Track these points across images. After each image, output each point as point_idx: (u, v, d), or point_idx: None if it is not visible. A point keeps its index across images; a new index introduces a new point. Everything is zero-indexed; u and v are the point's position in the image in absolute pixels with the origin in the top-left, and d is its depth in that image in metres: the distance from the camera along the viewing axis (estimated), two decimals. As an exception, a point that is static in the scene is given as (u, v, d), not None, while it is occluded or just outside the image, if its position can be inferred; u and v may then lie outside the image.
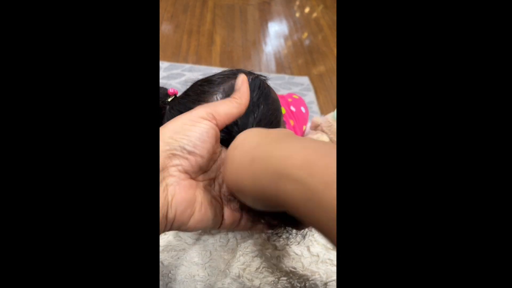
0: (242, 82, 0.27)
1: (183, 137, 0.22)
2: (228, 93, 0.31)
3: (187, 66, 1.21)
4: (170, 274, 0.29)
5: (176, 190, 0.22)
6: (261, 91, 0.33)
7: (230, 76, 0.34)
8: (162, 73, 1.15)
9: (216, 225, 0.25)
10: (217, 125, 0.24)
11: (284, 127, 0.40)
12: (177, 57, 1.25)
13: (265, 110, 0.32)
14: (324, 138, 0.70)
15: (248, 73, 0.35)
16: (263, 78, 0.36)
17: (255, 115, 0.31)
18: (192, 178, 0.23)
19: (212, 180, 0.26)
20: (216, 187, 0.26)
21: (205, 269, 0.27)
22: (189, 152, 0.22)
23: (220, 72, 0.35)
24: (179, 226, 0.23)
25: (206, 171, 0.25)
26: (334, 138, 0.71)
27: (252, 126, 0.30)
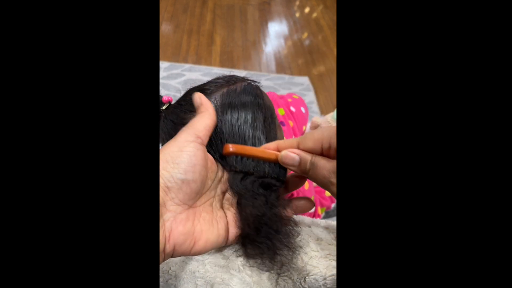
0: (199, 97, 0.28)
1: (174, 166, 0.22)
2: (220, 102, 0.31)
3: (187, 66, 1.21)
4: (170, 271, 0.29)
5: (173, 225, 0.22)
6: (253, 96, 0.32)
7: (223, 84, 0.33)
8: (162, 73, 1.15)
9: (222, 243, 0.25)
10: (202, 143, 0.25)
11: (280, 130, 0.40)
12: (177, 57, 1.25)
13: (259, 116, 0.32)
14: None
15: (241, 79, 0.35)
16: (256, 84, 0.35)
17: (250, 120, 0.30)
18: (190, 206, 0.24)
19: (213, 197, 0.27)
20: (218, 204, 0.27)
21: (205, 265, 0.27)
22: (182, 181, 0.23)
23: (214, 80, 0.35)
24: (181, 255, 0.23)
25: (204, 193, 0.26)
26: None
27: (249, 132, 0.30)
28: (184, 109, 0.33)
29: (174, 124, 0.33)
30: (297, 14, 1.70)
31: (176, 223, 0.22)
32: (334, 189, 0.23)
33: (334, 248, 0.26)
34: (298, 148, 0.26)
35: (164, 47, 1.27)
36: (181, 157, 0.23)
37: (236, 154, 0.27)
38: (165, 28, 1.38)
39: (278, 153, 0.26)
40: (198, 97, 0.28)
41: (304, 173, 0.25)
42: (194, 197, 0.24)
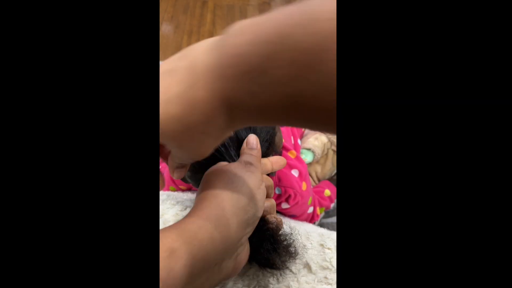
0: (257, 142, 0.30)
1: (256, 204, 0.24)
2: None
3: (187, 66, 1.21)
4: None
5: (242, 257, 0.24)
6: None
7: None
8: (161, 74, 1.15)
9: None
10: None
11: (279, 129, 0.40)
12: (177, 57, 1.26)
13: None
14: (323, 138, 0.70)
15: None
16: None
17: None
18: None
19: None
20: None
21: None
22: (258, 218, 0.24)
23: None
24: None
25: None
26: (334, 138, 0.71)
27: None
28: None
29: None
30: (298, 14, 1.70)
31: (245, 253, 0.25)
32: None
33: (330, 272, 0.25)
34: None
35: (164, 48, 1.28)
36: (260, 195, 0.25)
37: None
38: (165, 28, 1.39)
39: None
40: (256, 142, 0.29)
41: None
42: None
